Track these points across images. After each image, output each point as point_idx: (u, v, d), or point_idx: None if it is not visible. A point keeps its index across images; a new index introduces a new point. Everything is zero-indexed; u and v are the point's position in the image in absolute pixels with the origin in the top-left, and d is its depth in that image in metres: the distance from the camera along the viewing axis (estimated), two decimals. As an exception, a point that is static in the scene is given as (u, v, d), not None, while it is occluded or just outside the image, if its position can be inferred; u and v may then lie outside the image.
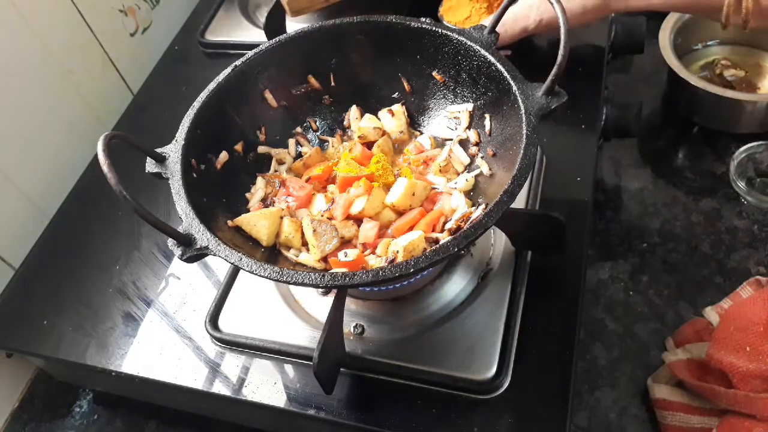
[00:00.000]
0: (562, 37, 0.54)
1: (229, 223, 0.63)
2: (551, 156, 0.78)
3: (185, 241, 0.54)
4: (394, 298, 0.68)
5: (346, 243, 0.64)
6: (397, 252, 0.58)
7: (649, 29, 0.93)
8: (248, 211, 0.67)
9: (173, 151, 0.61)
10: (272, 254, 0.65)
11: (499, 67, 0.62)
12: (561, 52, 0.54)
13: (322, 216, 0.65)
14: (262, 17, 1.02)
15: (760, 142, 0.90)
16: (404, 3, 1.00)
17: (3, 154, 0.84)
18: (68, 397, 0.85)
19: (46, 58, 0.90)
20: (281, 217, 0.65)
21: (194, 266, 0.77)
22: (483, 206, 0.62)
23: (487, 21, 0.66)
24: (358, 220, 0.65)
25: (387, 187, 0.66)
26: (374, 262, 0.61)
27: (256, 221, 0.64)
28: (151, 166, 0.61)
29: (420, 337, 0.64)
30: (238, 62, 0.69)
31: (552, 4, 0.55)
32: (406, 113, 0.73)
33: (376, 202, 0.64)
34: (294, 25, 0.80)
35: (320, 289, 0.69)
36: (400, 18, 0.69)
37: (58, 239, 0.85)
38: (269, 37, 0.72)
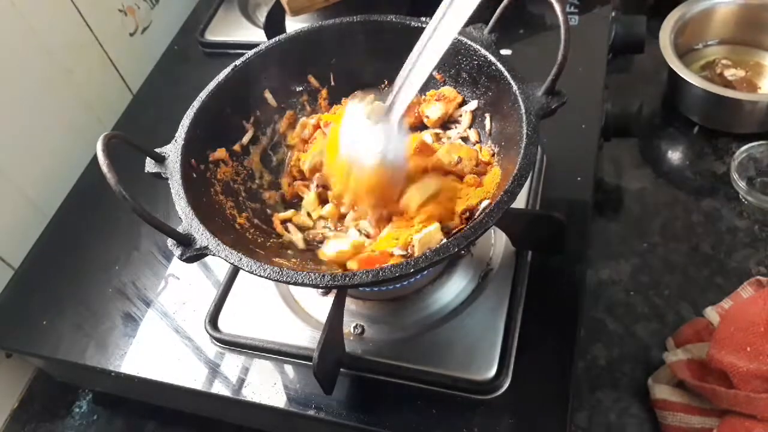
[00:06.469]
0: (563, 36, 0.54)
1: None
2: (551, 156, 0.78)
3: (185, 241, 0.54)
4: (394, 298, 0.67)
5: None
6: (413, 245, 0.57)
7: (649, 29, 0.93)
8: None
9: (173, 151, 0.61)
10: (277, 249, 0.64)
11: (500, 66, 0.62)
12: (561, 52, 0.54)
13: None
14: (262, 17, 1.01)
15: (760, 142, 0.90)
16: (404, 3, 1.00)
17: (3, 154, 0.84)
18: (68, 397, 0.85)
19: (46, 58, 0.90)
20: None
21: (194, 266, 0.77)
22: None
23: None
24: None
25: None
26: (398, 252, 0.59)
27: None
28: (150, 166, 0.61)
29: (420, 337, 0.64)
30: (237, 62, 0.69)
31: (552, 4, 0.55)
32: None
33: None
34: (294, 25, 0.80)
35: (320, 290, 0.69)
36: (400, 18, 0.69)
37: (58, 239, 0.85)
38: (269, 37, 0.72)
